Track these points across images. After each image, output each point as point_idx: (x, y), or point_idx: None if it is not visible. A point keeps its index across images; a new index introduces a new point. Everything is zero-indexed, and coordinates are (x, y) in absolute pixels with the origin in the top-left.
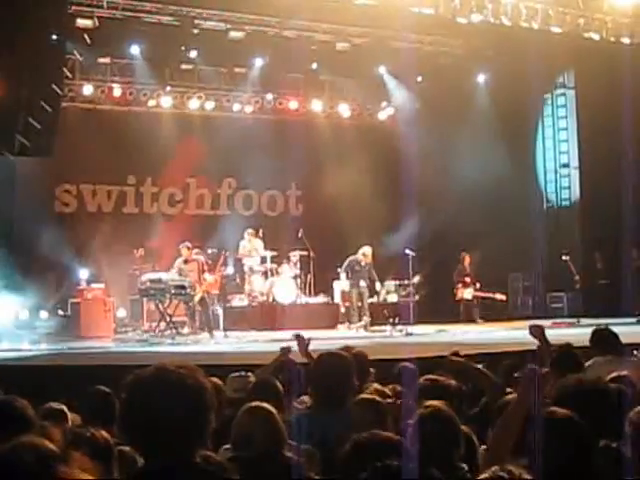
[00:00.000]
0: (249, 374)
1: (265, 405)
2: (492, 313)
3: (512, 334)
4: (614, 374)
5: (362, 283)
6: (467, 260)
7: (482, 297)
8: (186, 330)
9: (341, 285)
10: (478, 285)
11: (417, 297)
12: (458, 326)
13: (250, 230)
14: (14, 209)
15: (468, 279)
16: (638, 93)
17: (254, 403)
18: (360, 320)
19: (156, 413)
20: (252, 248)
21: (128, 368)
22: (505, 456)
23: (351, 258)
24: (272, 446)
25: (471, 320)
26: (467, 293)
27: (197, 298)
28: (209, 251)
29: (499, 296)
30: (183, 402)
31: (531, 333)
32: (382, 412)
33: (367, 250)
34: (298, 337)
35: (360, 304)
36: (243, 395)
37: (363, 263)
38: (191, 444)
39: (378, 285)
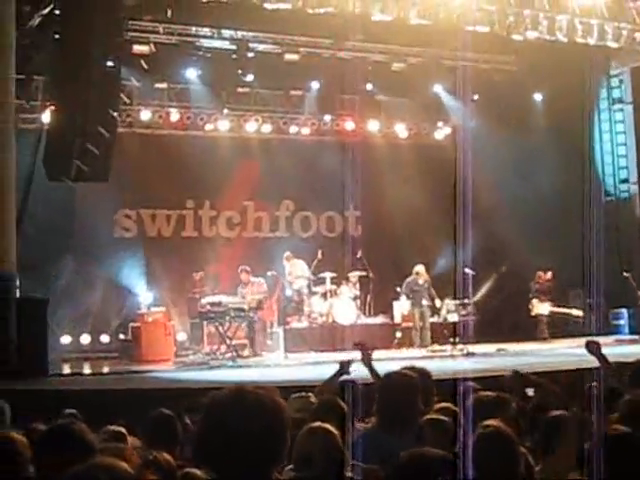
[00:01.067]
0: (310, 394)
1: (325, 425)
2: (555, 330)
3: (574, 352)
4: None
5: (424, 302)
6: (542, 277)
7: (559, 313)
8: (246, 352)
9: (401, 306)
10: (554, 302)
11: (478, 316)
12: (519, 345)
13: (287, 254)
14: (74, 234)
15: (544, 295)
16: None
17: (314, 424)
18: (423, 340)
19: (235, 433)
20: (294, 271)
21: (190, 391)
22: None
23: (408, 279)
24: (332, 466)
25: (542, 337)
26: (543, 309)
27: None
28: (268, 273)
29: (575, 312)
30: (262, 421)
31: (588, 349)
32: (449, 431)
33: (420, 268)
34: (361, 346)
35: (422, 324)
36: (305, 416)
37: (421, 282)
38: (269, 464)
39: (438, 302)
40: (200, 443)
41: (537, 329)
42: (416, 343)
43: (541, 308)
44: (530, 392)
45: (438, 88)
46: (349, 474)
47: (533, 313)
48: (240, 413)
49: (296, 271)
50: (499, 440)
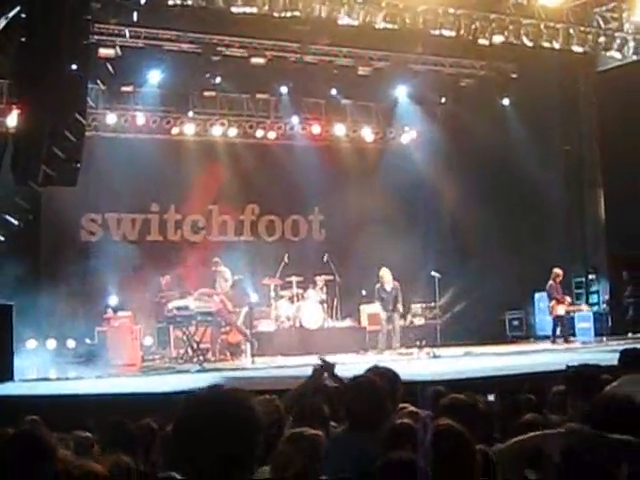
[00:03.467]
0: (274, 397)
1: (310, 431)
2: (521, 334)
3: (541, 355)
4: None
5: (391, 307)
6: (560, 276)
7: (573, 311)
8: (213, 356)
9: (368, 309)
10: (569, 299)
11: (444, 318)
12: (485, 348)
13: (214, 260)
14: (40, 239)
15: (560, 296)
16: None
17: (297, 429)
18: (390, 345)
19: (208, 432)
20: (222, 278)
21: (156, 396)
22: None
23: (377, 285)
24: (310, 472)
25: (563, 336)
26: (560, 309)
27: None
28: (235, 277)
29: (585, 307)
30: (235, 421)
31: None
32: (416, 434)
33: (382, 272)
34: (323, 361)
35: (391, 328)
36: (271, 418)
37: (388, 288)
38: (242, 463)
39: (400, 307)
40: (174, 442)
41: (561, 329)
42: (381, 346)
43: (558, 309)
44: (491, 397)
45: (404, 92)
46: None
47: (554, 314)
48: (214, 412)
49: (224, 278)
50: (451, 437)
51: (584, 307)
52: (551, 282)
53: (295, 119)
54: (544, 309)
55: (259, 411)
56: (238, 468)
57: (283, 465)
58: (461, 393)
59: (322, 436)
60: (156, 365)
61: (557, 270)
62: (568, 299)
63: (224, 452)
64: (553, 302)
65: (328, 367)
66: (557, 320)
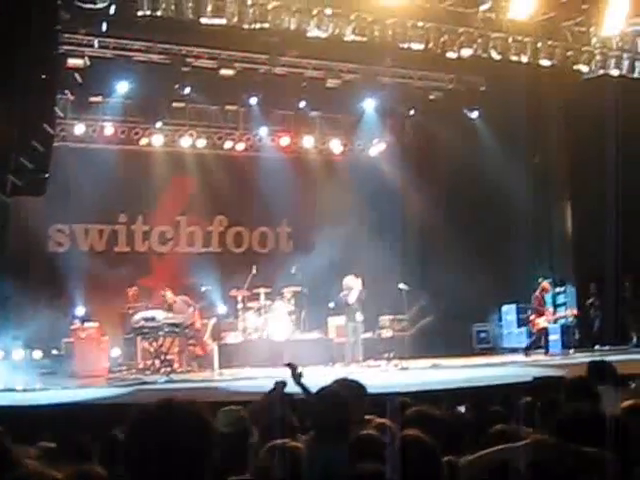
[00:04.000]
0: (239, 408)
1: (290, 443)
2: (488, 346)
3: (501, 370)
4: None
5: (358, 317)
6: (547, 289)
7: (558, 319)
8: (180, 368)
9: (336, 321)
10: (551, 310)
11: (412, 331)
12: (452, 360)
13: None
14: (8, 249)
15: (543, 308)
16: (623, 125)
17: (278, 441)
18: (354, 356)
19: (159, 447)
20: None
21: (123, 407)
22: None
23: (341, 293)
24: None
25: (546, 348)
26: (543, 321)
27: None
28: (202, 289)
29: (570, 311)
30: (186, 437)
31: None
32: (382, 446)
33: (347, 280)
34: (291, 365)
35: (354, 340)
36: (235, 429)
37: (354, 294)
38: (197, 474)
39: (359, 316)
40: (126, 455)
41: (544, 341)
42: (348, 358)
43: (541, 321)
44: (462, 409)
45: (373, 104)
46: None
47: (537, 328)
48: (165, 427)
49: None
50: (418, 447)
51: (570, 311)
52: (537, 294)
53: (264, 130)
54: (511, 322)
55: (211, 421)
56: (192, 478)
57: (262, 476)
58: (426, 404)
59: (302, 448)
60: (123, 376)
61: (544, 283)
62: (550, 310)
63: (175, 463)
64: (534, 315)
65: (295, 372)
66: (538, 334)
